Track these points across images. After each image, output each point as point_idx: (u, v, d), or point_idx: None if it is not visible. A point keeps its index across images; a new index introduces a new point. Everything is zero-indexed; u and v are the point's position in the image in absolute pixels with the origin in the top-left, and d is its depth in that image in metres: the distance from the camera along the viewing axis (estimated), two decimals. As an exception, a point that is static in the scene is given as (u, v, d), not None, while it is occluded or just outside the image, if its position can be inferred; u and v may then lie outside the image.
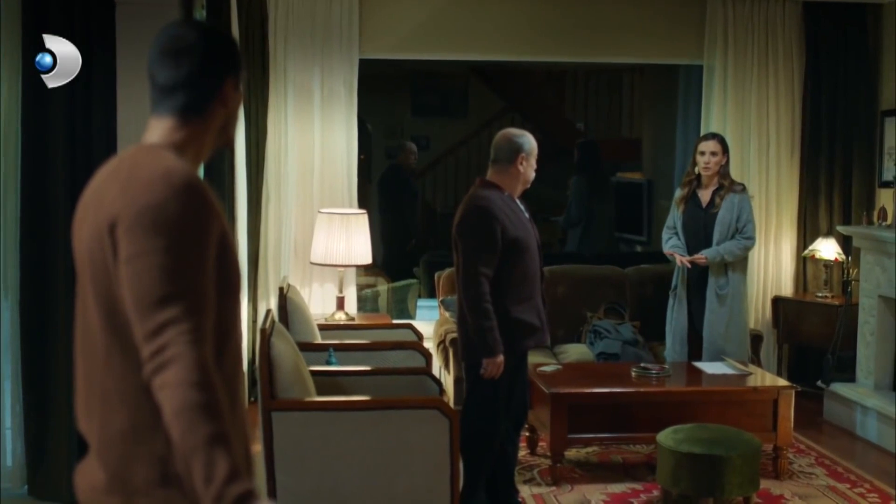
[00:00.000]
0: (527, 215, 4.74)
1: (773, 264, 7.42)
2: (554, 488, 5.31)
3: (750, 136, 7.30)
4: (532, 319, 4.66)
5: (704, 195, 6.20)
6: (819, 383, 6.80)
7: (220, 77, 2.07)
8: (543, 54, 7.61)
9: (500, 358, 4.50)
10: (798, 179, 7.40)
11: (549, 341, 5.08)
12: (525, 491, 5.25)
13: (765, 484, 5.21)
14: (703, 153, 6.13)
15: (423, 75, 12.44)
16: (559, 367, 5.94)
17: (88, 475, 1.99)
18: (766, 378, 5.87)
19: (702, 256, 6.07)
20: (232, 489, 1.73)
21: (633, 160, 11.63)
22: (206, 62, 2.04)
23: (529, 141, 4.69)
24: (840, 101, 7.35)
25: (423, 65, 10.58)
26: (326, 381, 4.50)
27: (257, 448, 4.00)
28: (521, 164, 4.65)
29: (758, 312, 7.35)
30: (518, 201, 4.74)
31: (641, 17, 7.33)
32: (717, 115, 7.32)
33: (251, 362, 6.53)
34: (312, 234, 6.58)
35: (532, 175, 4.71)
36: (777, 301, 7.35)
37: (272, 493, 3.88)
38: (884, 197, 7.12)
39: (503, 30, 7.23)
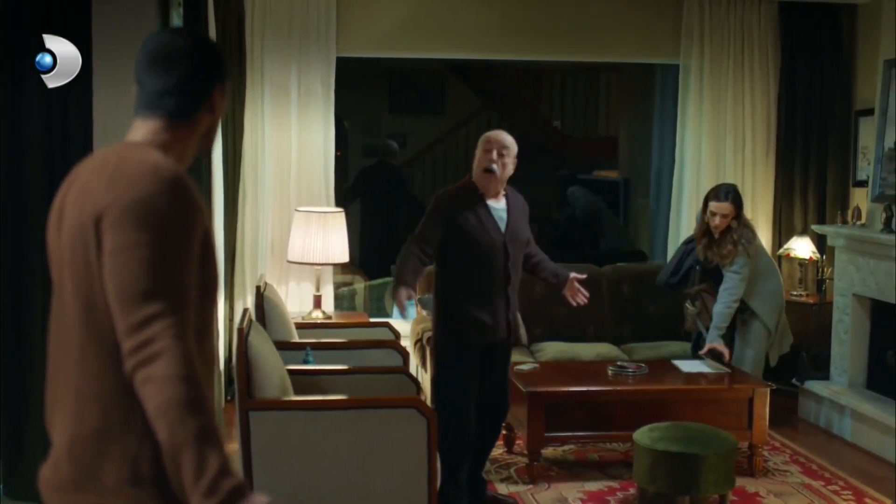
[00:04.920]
0: (499, 218, 4.78)
1: (748, 263, 7.45)
2: (531, 486, 5.33)
3: (725, 136, 7.34)
4: (483, 317, 4.73)
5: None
6: (794, 381, 6.85)
7: (210, 84, 2.11)
8: (521, 53, 7.63)
9: (402, 292, 4.57)
10: (773, 178, 7.45)
11: (521, 341, 5.18)
12: (502, 489, 5.26)
13: (740, 482, 5.24)
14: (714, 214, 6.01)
15: (400, 73, 12.43)
16: (536, 365, 5.95)
17: (55, 474, 1.98)
18: (741, 376, 5.90)
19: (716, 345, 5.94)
20: (225, 482, 1.74)
21: (610, 158, 11.66)
22: (197, 68, 2.08)
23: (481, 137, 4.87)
24: (815, 100, 7.40)
25: (401, 62, 10.57)
26: (304, 381, 4.49)
27: (234, 447, 3.99)
28: (474, 161, 4.83)
29: (733, 311, 7.39)
30: (492, 203, 4.79)
31: (618, 17, 7.35)
32: (693, 115, 7.35)
33: (227, 361, 6.52)
34: (289, 233, 6.57)
35: (479, 166, 4.78)
36: (752, 299, 7.38)
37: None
38: (858, 196, 7.17)
39: (480, 28, 7.24)
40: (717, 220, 5.92)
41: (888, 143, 6.43)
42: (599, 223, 9.73)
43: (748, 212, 7.34)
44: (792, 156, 7.43)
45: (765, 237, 7.43)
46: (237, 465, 3.90)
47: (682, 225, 7.39)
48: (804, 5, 7.31)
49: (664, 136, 8.40)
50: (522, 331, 5.08)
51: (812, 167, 7.44)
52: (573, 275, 5.04)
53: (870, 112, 6.88)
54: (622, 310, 7.00)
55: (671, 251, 7.50)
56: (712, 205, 5.96)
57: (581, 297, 5.02)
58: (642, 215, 9.89)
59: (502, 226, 4.77)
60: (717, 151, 7.34)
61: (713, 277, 6.09)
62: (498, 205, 4.80)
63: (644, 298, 6.96)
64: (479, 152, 4.80)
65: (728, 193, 5.97)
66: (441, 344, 4.86)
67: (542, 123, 12.79)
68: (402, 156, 10.80)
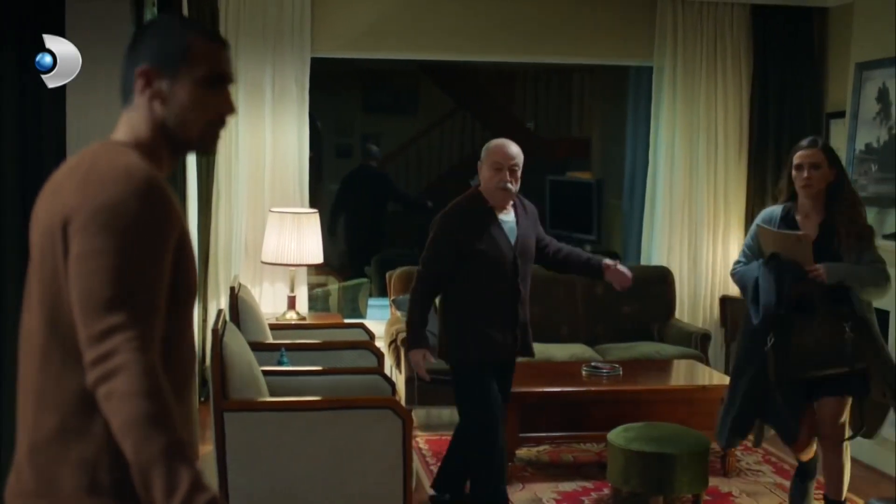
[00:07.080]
0: (509, 231, 4.57)
1: (720, 264, 7.49)
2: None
3: (698, 137, 7.38)
4: (492, 333, 4.56)
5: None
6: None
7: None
8: (494, 54, 7.64)
9: (419, 353, 4.53)
10: (745, 180, 7.50)
11: (528, 353, 4.82)
12: (477, 490, 5.27)
13: (713, 482, 5.27)
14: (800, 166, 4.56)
15: (373, 74, 12.43)
16: (510, 366, 5.95)
17: (17, 481, 1.92)
18: (714, 376, 5.93)
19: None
20: (198, 497, 1.68)
21: (583, 159, 11.70)
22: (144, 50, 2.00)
23: (486, 148, 4.59)
24: (787, 103, 7.45)
25: (374, 63, 10.56)
26: (279, 382, 4.49)
27: (209, 448, 3.98)
28: (480, 172, 4.58)
29: (706, 312, 7.45)
30: (501, 216, 4.57)
31: (592, 19, 7.38)
32: (666, 116, 7.39)
33: (201, 362, 6.49)
34: (263, 234, 6.55)
35: (491, 184, 4.51)
36: (724, 300, 7.43)
37: (224, 494, 3.86)
38: (829, 198, 7.21)
39: (454, 29, 7.25)
40: (805, 173, 4.49)
41: (859, 146, 6.48)
42: None
43: (720, 213, 7.39)
44: (764, 157, 7.47)
45: (737, 238, 7.48)
46: (211, 466, 3.89)
47: (656, 226, 7.43)
48: (776, 8, 7.37)
49: (638, 138, 8.44)
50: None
51: (784, 169, 7.46)
52: (606, 261, 4.75)
53: (841, 114, 6.92)
54: (596, 311, 7.02)
55: (644, 252, 7.54)
56: (796, 157, 4.57)
57: (626, 279, 4.68)
58: (615, 216, 9.92)
59: (512, 239, 4.56)
60: (691, 153, 7.38)
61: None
62: (507, 217, 4.59)
63: (617, 299, 6.97)
64: (487, 168, 4.51)
65: (815, 140, 4.61)
66: (454, 362, 4.66)
67: (515, 125, 12.82)
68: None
